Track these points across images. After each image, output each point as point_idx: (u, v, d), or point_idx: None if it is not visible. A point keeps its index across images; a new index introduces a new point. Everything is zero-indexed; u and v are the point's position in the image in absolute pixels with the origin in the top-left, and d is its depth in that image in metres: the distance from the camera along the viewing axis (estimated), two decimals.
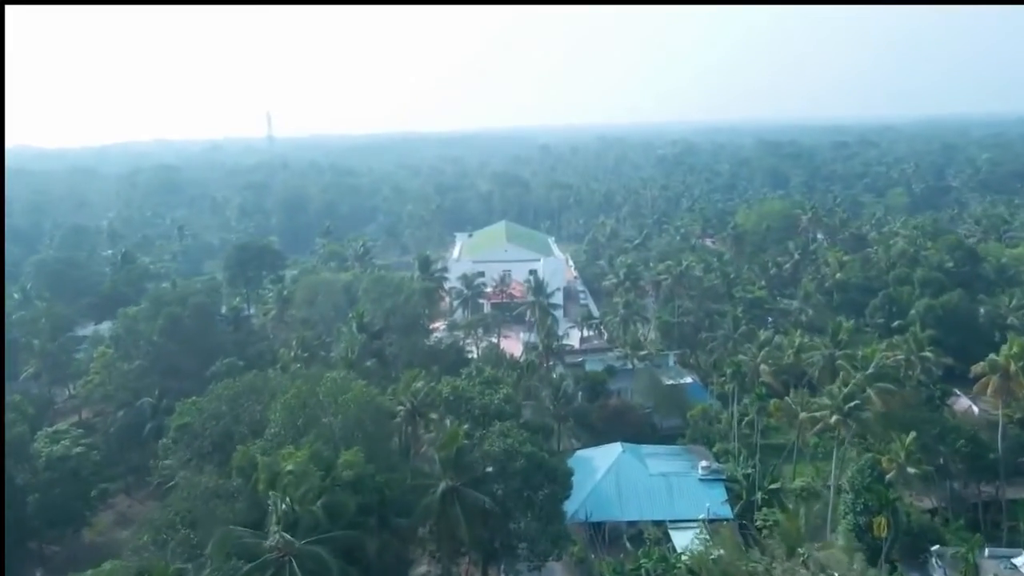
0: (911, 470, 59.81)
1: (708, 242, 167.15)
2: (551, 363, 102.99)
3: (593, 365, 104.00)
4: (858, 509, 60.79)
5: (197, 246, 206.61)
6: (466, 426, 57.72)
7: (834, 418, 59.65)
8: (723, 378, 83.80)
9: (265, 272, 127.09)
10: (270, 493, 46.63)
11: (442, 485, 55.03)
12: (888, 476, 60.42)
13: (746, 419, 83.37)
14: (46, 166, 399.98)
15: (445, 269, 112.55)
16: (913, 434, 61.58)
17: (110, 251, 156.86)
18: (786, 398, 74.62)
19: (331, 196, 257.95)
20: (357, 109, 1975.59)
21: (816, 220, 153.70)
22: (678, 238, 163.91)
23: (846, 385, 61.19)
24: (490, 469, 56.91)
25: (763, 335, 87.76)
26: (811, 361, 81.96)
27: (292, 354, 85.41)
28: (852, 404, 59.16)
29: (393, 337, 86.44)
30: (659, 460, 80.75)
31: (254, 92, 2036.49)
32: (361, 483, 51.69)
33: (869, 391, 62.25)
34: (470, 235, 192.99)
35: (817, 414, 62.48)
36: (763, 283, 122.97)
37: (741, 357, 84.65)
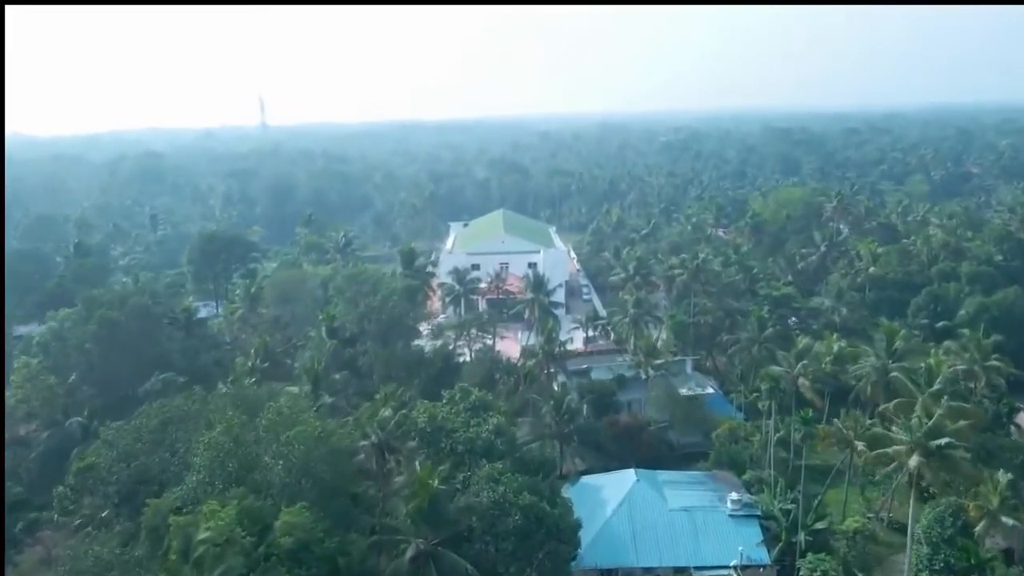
0: (1007, 520, 47.47)
1: (720, 232, 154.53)
2: (552, 370, 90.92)
3: (600, 373, 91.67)
4: (937, 567, 48.84)
5: (176, 236, 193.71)
6: (443, 468, 45.30)
7: (914, 459, 47.14)
8: (756, 394, 71.39)
9: (235, 266, 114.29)
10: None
11: (412, 547, 42.83)
12: (977, 529, 48.13)
13: (777, 435, 71.17)
14: (32, 154, 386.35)
15: (433, 263, 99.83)
16: (1008, 475, 49.19)
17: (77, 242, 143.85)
18: (836, 421, 62.19)
19: (319, 183, 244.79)
20: (355, 97, 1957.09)
21: (842, 209, 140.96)
22: (689, 228, 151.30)
23: (929, 416, 48.51)
24: (475, 520, 44.72)
25: (802, 342, 75.19)
26: (860, 373, 69.50)
27: (250, 364, 73.12)
28: (942, 442, 46.41)
29: (369, 343, 74.11)
30: (680, 490, 68.48)
31: (251, 80, 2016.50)
32: (306, 551, 39.47)
33: (948, 421, 49.40)
34: (465, 225, 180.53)
35: (890, 450, 49.91)
36: (789, 278, 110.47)
37: (775, 368, 72.24)
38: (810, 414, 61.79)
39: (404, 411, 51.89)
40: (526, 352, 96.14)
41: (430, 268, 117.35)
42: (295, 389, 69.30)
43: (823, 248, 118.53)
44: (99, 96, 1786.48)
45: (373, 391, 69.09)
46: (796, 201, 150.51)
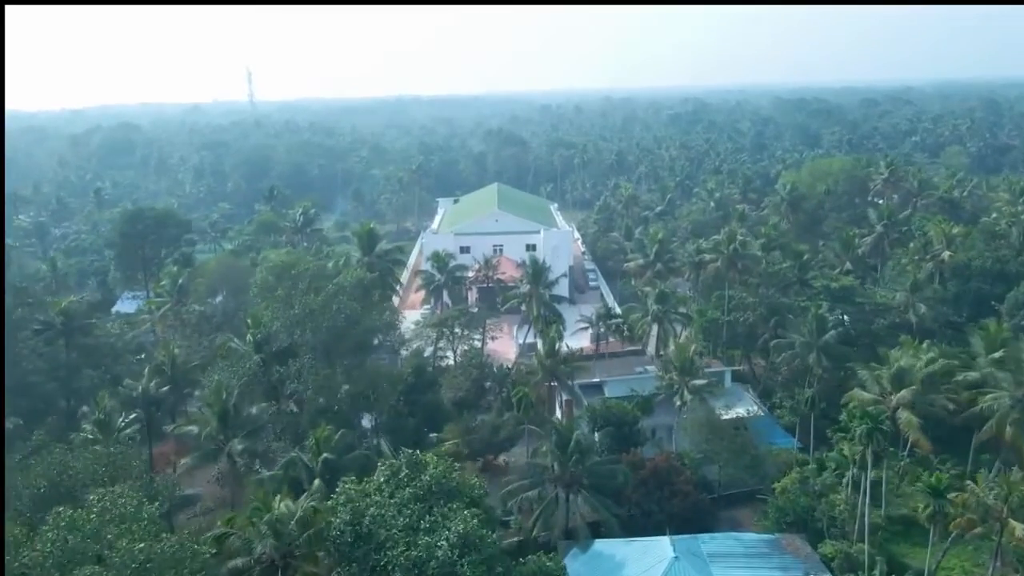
0: None
1: (744, 208, 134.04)
2: (553, 384, 71.28)
3: (616, 388, 72.06)
4: None
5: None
6: None
7: None
8: (842, 434, 51.59)
9: (167, 249, 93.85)
10: None
11: None
12: None
13: (840, 473, 51.74)
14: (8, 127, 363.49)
15: (399, 250, 79.08)
16: None
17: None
18: (971, 485, 42.40)
19: (299, 157, 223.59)
20: (352, 72, 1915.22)
21: (894, 182, 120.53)
22: (712, 204, 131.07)
23: None
24: None
25: (898, 357, 55.29)
26: (994, 408, 49.73)
27: (139, 389, 53.45)
28: None
29: (309, 359, 54.21)
30: (735, 570, 49.09)
31: (249, 56, 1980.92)
32: None
33: None
34: (455, 201, 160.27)
35: None
36: (848, 266, 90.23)
37: (864, 394, 52.50)
38: (944, 482, 42.04)
39: (313, 502, 32.03)
40: (521, 364, 76.96)
41: (417, 252, 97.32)
42: (194, 429, 49.89)
43: (880, 228, 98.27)
44: (92, 71, 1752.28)
45: (304, 434, 49.70)
46: (836, 172, 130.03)
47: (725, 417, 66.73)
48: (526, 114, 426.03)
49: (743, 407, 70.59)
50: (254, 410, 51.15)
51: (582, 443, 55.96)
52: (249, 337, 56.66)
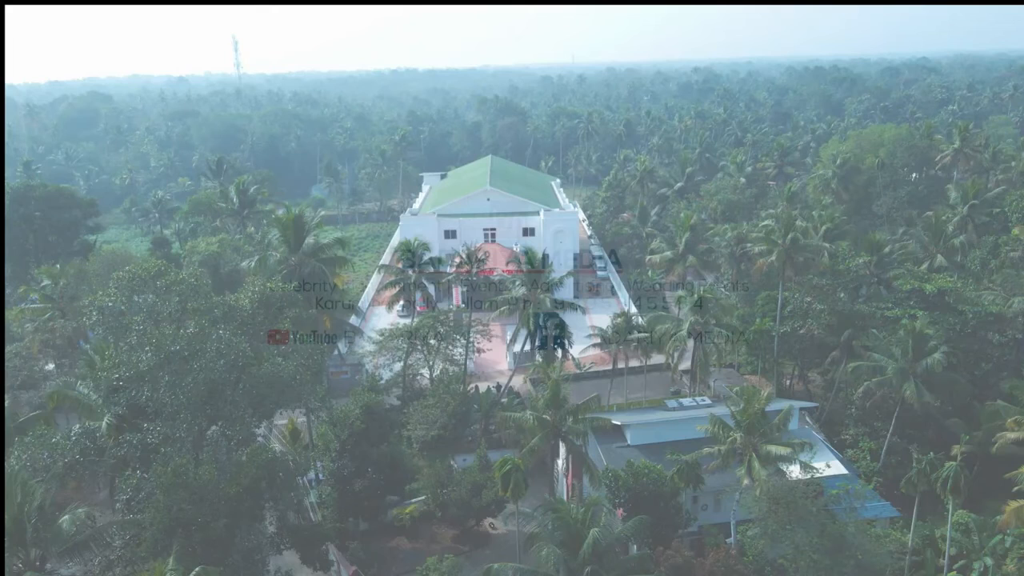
0: None
1: (792, 186, 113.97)
2: (564, 433, 51.42)
3: (641, 435, 52.46)
4: None
5: (86, 191, 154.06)
6: None
7: None
8: None
9: (56, 238, 73.66)
10: None
11: None
12: None
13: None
14: None
15: (340, 244, 58.39)
16: None
17: None
18: None
19: (275, 129, 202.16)
20: (348, 47, 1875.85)
21: (968, 153, 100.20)
22: (743, 180, 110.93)
23: None
24: None
25: None
26: None
27: None
28: None
29: (184, 418, 34.64)
30: None
31: (242, 29, 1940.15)
32: None
33: None
34: (443, 176, 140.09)
35: None
36: (941, 260, 70.09)
37: None
38: None
39: None
40: (516, 364, 57.66)
41: (398, 238, 77.24)
42: None
43: (964, 210, 78.26)
44: (84, 44, 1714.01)
45: (152, 551, 30.18)
46: (889, 143, 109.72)
47: (795, 475, 46.94)
48: (526, 85, 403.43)
49: (819, 459, 50.99)
50: (82, 509, 31.71)
51: (600, 544, 36.69)
52: (97, 382, 37.01)
